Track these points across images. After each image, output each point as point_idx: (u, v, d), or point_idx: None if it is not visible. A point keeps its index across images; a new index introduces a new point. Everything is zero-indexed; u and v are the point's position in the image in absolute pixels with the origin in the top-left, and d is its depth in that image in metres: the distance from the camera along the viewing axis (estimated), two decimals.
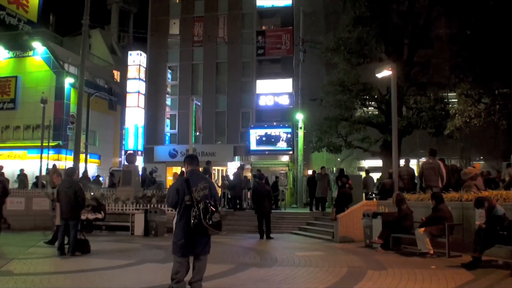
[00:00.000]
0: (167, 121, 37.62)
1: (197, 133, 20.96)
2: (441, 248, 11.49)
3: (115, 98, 44.74)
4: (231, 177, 23.58)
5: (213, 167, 27.32)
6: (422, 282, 8.20)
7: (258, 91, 33.92)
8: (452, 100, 19.99)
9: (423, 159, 32.91)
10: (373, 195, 19.61)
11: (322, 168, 22.78)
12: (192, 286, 7.19)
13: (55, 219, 12.73)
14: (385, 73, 16.26)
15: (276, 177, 27.11)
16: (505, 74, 16.81)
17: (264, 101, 33.64)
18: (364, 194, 20.38)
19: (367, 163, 33.48)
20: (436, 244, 11.63)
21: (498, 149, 23.55)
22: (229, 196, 22.96)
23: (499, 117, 16.35)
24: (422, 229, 11.70)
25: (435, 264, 10.06)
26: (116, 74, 49.06)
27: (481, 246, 9.64)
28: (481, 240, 9.66)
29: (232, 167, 33.05)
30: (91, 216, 17.02)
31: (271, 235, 16.45)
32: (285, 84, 33.44)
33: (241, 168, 23.91)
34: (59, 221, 11.91)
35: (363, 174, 24.48)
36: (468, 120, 16.76)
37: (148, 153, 36.68)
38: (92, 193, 21.01)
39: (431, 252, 11.38)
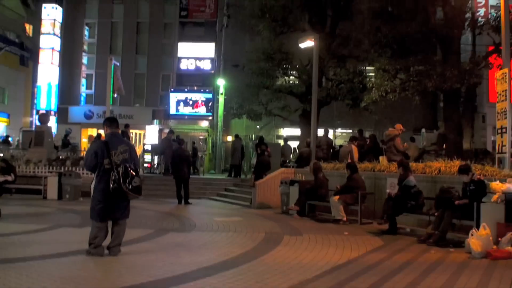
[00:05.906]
0: (83, 81, 35.97)
1: (115, 95, 19.90)
2: (354, 216, 12.06)
3: (28, 53, 42.00)
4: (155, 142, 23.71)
5: (131, 130, 26.68)
6: (335, 247, 8.56)
7: (179, 54, 32.96)
8: (370, 74, 20.59)
9: (340, 130, 34.47)
10: (291, 163, 20.02)
11: (237, 137, 23.69)
12: (111, 250, 7.11)
13: None
14: (307, 43, 16.57)
15: (193, 142, 27.18)
16: (421, 52, 17.52)
17: (186, 65, 32.81)
18: (282, 162, 20.77)
19: (286, 131, 34.17)
20: (349, 212, 12.18)
21: (411, 124, 24.66)
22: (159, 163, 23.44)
23: (412, 93, 17.08)
24: (337, 197, 12.17)
25: (348, 230, 10.52)
26: (29, 28, 45.87)
27: (390, 213, 10.21)
28: (390, 208, 10.22)
29: (151, 131, 32.53)
30: (0, 178, 16.22)
31: (190, 201, 16.38)
32: (207, 49, 32.77)
33: (171, 132, 23.41)
34: None
35: (281, 142, 24.95)
36: (384, 94, 17.36)
37: (62, 114, 34.77)
38: (1, 154, 19.93)
39: (345, 219, 11.90)
